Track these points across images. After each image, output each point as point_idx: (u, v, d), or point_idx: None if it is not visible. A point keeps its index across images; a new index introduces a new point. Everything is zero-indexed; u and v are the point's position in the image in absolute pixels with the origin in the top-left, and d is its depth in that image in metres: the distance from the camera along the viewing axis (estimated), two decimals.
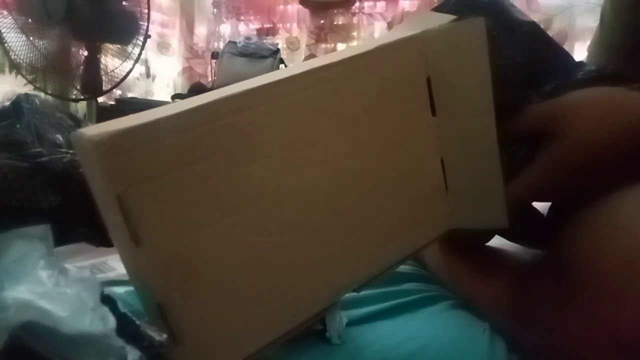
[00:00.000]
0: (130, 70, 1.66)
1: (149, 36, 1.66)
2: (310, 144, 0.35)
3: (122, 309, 0.25)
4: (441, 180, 0.43)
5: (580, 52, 1.68)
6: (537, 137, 0.42)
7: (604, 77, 0.44)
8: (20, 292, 0.22)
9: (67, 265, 0.29)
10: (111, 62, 1.63)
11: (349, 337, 0.43)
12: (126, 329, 0.24)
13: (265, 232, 0.33)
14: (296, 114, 0.34)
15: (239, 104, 0.31)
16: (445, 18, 0.41)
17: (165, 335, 0.26)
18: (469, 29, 0.40)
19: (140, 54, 1.65)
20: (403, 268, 0.56)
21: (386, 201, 0.40)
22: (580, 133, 0.40)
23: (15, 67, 1.52)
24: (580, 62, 0.47)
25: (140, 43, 1.61)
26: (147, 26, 1.64)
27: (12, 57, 1.48)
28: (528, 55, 0.44)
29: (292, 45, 2.34)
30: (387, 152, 0.39)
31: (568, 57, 0.48)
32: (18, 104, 0.57)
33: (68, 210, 0.51)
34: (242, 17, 2.42)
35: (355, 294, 0.40)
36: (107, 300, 0.24)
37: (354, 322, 0.45)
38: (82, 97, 1.63)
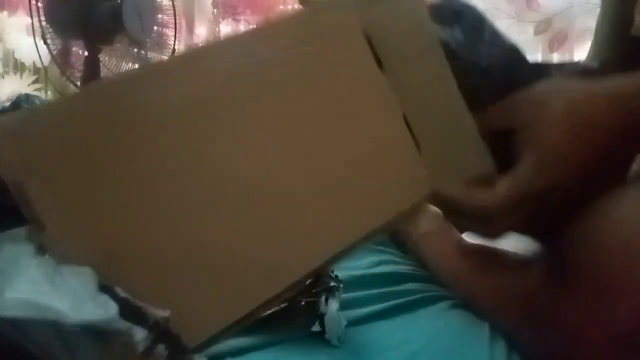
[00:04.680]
0: None
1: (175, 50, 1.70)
2: (251, 120, 0.33)
3: (122, 293, 0.25)
4: (408, 136, 0.40)
5: (580, 53, 1.68)
6: (511, 136, 0.41)
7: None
8: (18, 292, 0.22)
9: None
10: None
11: (348, 338, 0.43)
12: (130, 312, 0.24)
13: (217, 212, 0.31)
14: (217, 88, 0.32)
15: (150, 80, 0.29)
16: None
17: (168, 311, 0.26)
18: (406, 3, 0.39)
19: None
20: (403, 268, 0.56)
21: (352, 170, 0.37)
22: (549, 118, 0.39)
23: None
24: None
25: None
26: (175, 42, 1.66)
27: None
28: (502, 69, 0.44)
29: None
30: (340, 119, 0.37)
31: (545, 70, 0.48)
32: (18, 104, 0.58)
33: None
34: (239, 17, 2.42)
35: (354, 294, 0.40)
36: (106, 289, 0.25)
37: (354, 323, 0.44)
38: None
